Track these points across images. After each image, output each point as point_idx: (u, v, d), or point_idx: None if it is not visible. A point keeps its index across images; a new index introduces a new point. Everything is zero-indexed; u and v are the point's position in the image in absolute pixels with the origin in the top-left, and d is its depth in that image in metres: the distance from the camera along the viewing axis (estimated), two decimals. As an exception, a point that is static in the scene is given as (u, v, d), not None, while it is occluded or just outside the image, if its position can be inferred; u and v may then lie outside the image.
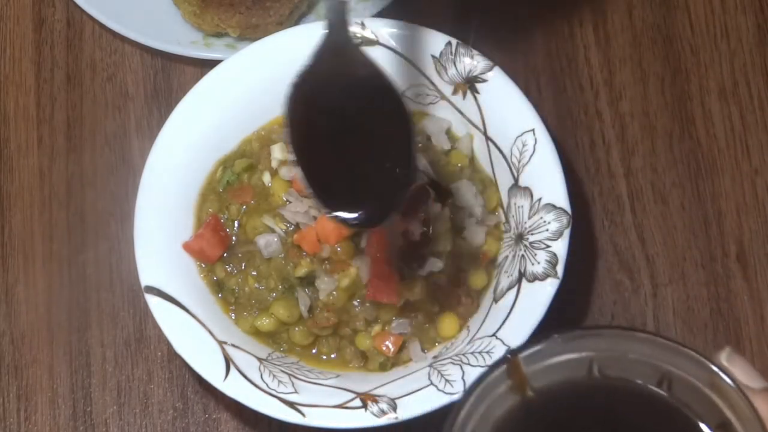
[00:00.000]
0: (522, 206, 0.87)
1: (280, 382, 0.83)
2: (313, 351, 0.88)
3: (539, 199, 0.86)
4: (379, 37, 0.91)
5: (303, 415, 0.81)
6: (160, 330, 0.85)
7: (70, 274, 0.96)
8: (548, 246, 0.84)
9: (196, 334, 0.85)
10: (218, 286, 0.89)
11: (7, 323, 0.94)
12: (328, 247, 0.85)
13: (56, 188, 0.98)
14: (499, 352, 0.81)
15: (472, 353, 0.82)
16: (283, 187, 0.88)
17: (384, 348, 0.86)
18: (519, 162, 0.88)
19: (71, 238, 0.97)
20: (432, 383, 0.81)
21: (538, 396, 0.65)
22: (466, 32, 1.00)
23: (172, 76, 1.02)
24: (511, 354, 0.64)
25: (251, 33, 0.98)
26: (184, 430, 0.91)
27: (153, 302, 0.85)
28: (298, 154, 0.73)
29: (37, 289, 0.95)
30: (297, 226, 0.87)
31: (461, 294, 0.87)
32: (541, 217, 0.85)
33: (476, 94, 0.90)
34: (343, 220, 0.74)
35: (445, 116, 0.92)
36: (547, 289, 0.83)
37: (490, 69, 0.90)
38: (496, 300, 0.85)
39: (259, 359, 0.85)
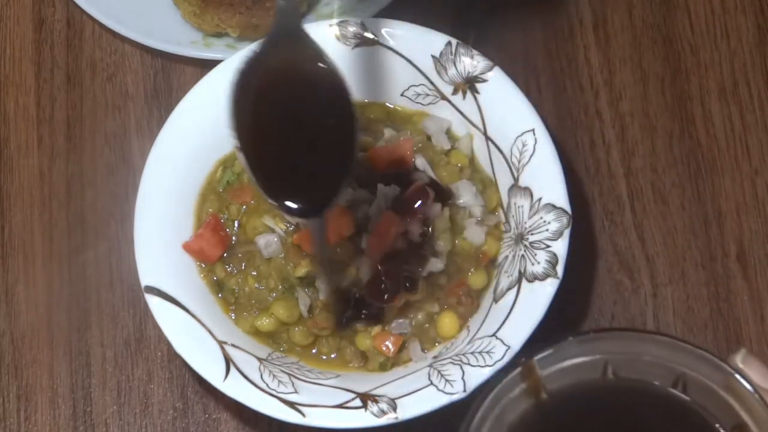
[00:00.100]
0: (522, 206, 0.87)
1: (280, 382, 0.83)
2: (313, 351, 0.88)
3: (539, 199, 0.86)
4: (379, 37, 0.91)
5: (303, 415, 0.81)
6: (160, 330, 0.85)
7: (70, 274, 0.96)
8: (548, 246, 0.84)
9: (196, 334, 0.85)
10: (218, 286, 0.89)
11: (7, 323, 0.94)
12: (328, 247, 0.85)
13: (56, 188, 0.98)
14: (499, 352, 0.81)
15: (472, 353, 0.82)
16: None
17: (384, 348, 0.86)
18: (519, 162, 0.88)
19: (71, 238, 0.97)
20: (432, 383, 0.81)
21: (552, 398, 0.65)
22: (466, 32, 1.00)
23: (172, 76, 1.02)
24: (526, 357, 0.63)
25: (251, 33, 0.98)
26: (184, 430, 0.91)
27: (153, 302, 0.85)
28: (241, 142, 0.73)
29: (37, 289, 0.95)
30: (297, 226, 0.87)
31: (461, 294, 0.87)
32: (541, 217, 0.85)
33: (476, 94, 0.90)
34: (285, 209, 0.74)
35: (445, 116, 0.92)
36: (547, 289, 0.83)
37: (490, 69, 0.90)
38: (496, 300, 0.85)
39: (259, 359, 0.85)
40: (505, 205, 0.89)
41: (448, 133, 0.92)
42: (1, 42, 1.03)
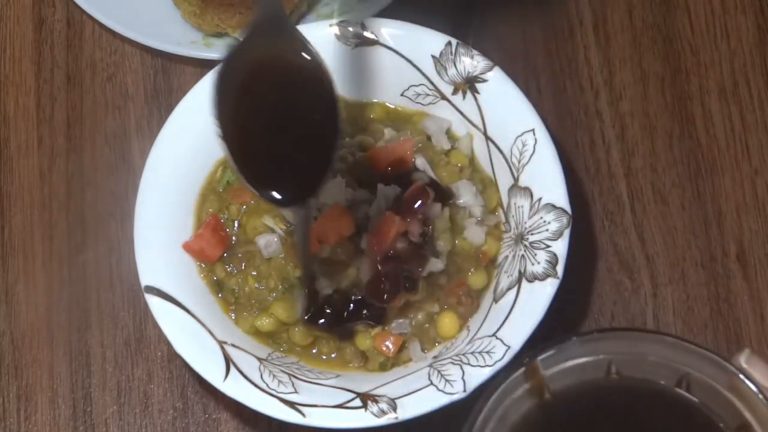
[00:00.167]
0: (522, 206, 0.87)
1: (280, 382, 0.83)
2: (313, 351, 0.87)
3: (539, 199, 0.86)
4: (379, 37, 0.91)
5: (303, 415, 0.81)
6: (160, 330, 0.85)
7: (70, 274, 0.96)
8: (548, 246, 0.84)
9: (196, 334, 0.85)
10: (218, 286, 0.89)
11: (7, 323, 0.94)
12: (328, 247, 0.85)
13: (56, 188, 0.98)
14: (499, 352, 0.81)
15: (472, 353, 0.82)
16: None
17: (384, 348, 0.86)
18: (519, 162, 0.88)
19: (71, 238, 0.97)
20: (432, 383, 0.81)
21: (556, 398, 0.65)
22: (466, 32, 1.00)
23: (172, 76, 1.02)
24: (529, 357, 0.63)
25: (251, 33, 0.98)
26: (184, 430, 0.91)
27: (153, 302, 0.85)
28: (224, 131, 0.73)
29: (37, 289, 0.95)
30: (297, 226, 0.87)
31: (461, 294, 0.87)
32: (541, 217, 0.85)
33: (476, 94, 0.90)
34: (268, 198, 0.74)
35: (445, 116, 0.92)
36: (547, 289, 0.83)
37: (490, 69, 0.90)
38: (496, 300, 0.85)
39: (259, 359, 0.85)
40: (505, 205, 0.89)
41: (448, 133, 0.92)
42: (1, 42, 1.03)
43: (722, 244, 0.95)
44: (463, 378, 0.81)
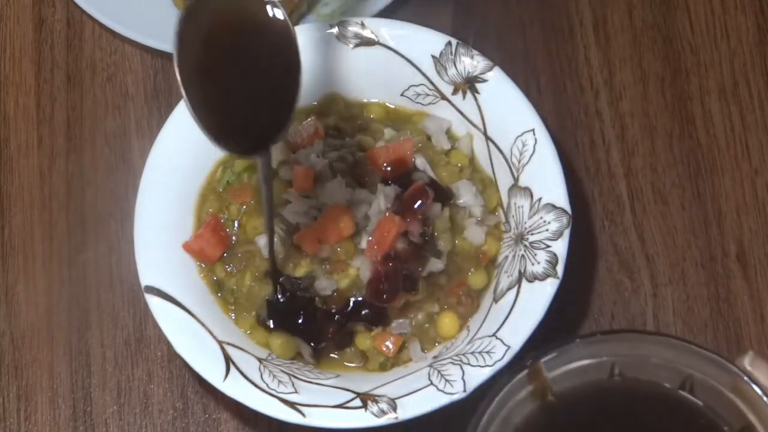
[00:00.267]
0: (522, 206, 0.87)
1: (280, 382, 0.83)
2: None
3: (539, 199, 0.86)
4: (379, 37, 0.91)
5: (303, 415, 0.81)
6: (160, 330, 0.84)
7: (70, 274, 0.96)
8: (548, 246, 0.84)
9: (196, 334, 0.85)
10: (218, 286, 0.89)
11: (7, 323, 0.94)
12: (328, 247, 0.85)
13: (56, 188, 0.98)
14: (499, 352, 0.81)
15: (472, 353, 0.82)
16: (283, 187, 0.88)
17: (384, 348, 0.86)
18: (519, 162, 0.88)
19: (71, 238, 0.97)
20: (432, 383, 0.81)
21: (559, 400, 0.65)
22: (466, 32, 1.00)
23: (172, 76, 1.01)
24: (533, 359, 0.63)
25: (251, 33, 0.98)
26: (184, 430, 0.91)
27: (153, 302, 0.85)
28: (184, 83, 0.73)
29: (37, 289, 0.95)
30: (297, 226, 0.87)
31: (461, 294, 0.87)
32: (541, 217, 0.85)
33: (476, 94, 0.90)
34: (228, 148, 0.75)
35: (445, 116, 0.92)
36: (547, 289, 0.83)
37: (490, 69, 0.90)
38: (496, 300, 0.85)
39: (259, 359, 0.85)
40: (505, 205, 0.89)
41: (448, 133, 0.92)
42: (1, 42, 1.03)
43: (722, 244, 0.95)
44: (463, 378, 0.81)
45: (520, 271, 0.85)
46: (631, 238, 0.95)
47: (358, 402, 0.82)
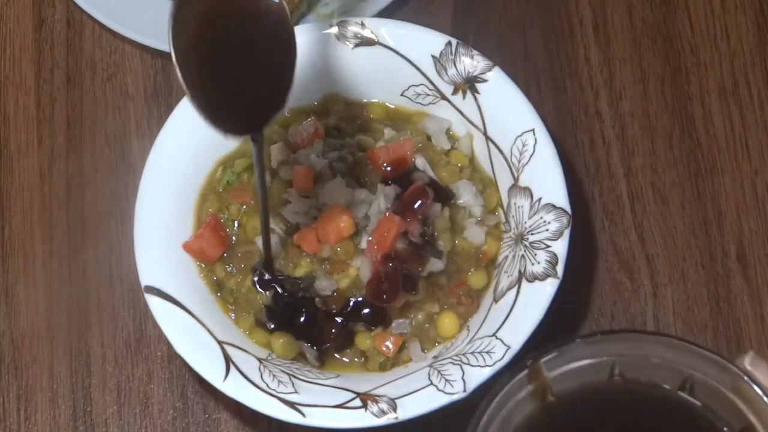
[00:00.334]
0: (522, 206, 0.87)
1: (280, 382, 0.83)
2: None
3: (539, 199, 0.86)
4: (379, 37, 0.91)
5: (303, 415, 0.81)
6: (160, 330, 0.84)
7: (70, 274, 0.96)
8: (548, 246, 0.84)
9: (196, 334, 0.85)
10: (218, 286, 0.89)
11: (7, 323, 0.94)
12: (328, 248, 0.85)
13: (56, 188, 0.98)
14: (499, 352, 0.81)
15: (472, 353, 0.82)
16: (283, 187, 0.88)
17: (384, 348, 0.86)
18: (519, 162, 0.88)
19: (71, 238, 0.97)
20: (432, 383, 0.81)
21: (559, 400, 0.65)
22: (466, 32, 1.00)
23: (172, 76, 1.02)
24: (533, 359, 0.63)
25: (251, 33, 0.98)
26: (184, 430, 0.91)
27: (153, 302, 0.85)
28: (180, 63, 0.73)
29: (37, 289, 0.95)
30: (297, 226, 0.87)
31: (461, 294, 0.87)
32: (541, 217, 0.85)
33: (476, 94, 0.90)
34: (222, 128, 0.75)
35: (445, 116, 0.92)
36: (547, 289, 0.83)
37: (490, 69, 0.90)
38: (496, 300, 0.85)
39: (259, 359, 0.85)
40: (505, 205, 0.89)
41: (448, 133, 0.92)
42: (1, 42, 1.03)
43: (722, 244, 0.95)
44: (463, 378, 0.81)
45: (520, 271, 0.85)
46: (631, 238, 0.95)
47: (358, 402, 0.82)
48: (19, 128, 1.00)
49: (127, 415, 0.92)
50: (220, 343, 0.85)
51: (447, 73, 0.91)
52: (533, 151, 0.87)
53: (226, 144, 0.92)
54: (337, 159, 0.88)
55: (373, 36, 0.91)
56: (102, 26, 1.02)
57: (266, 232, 0.84)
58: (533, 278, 0.84)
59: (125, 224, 0.94)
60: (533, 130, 0.87)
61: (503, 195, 0.89)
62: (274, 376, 0.83)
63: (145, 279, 0.86)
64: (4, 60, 1.03)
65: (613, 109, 0.99)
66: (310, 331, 0.86)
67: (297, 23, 0.99)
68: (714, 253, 0.94)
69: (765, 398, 0.61)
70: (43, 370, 0.93)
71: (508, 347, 0.81)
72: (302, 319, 0.86)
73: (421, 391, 0.81)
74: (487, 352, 0.82)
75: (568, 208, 0.85)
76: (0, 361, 0.93)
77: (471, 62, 0.90)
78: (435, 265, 0.85)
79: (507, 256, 0.87)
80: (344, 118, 0.93)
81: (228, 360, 0.83)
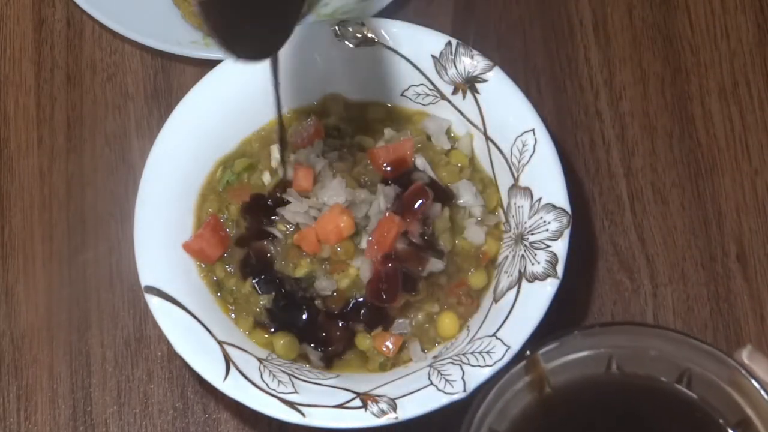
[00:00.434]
0: (522, 206, 0.87)
1: (280, 382, 0.83)
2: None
3: (539, 199, 0.86)
4: (379, 37, 0.91)
5: (303, 415, 0.81)
6: (160, 330, 0.85)
7: (70, 274, 0.96)
8: (548, 246, 0.84)
9: (196, 334, 0.85)
10: (218, 286, 0.89)
11: (7, 323, 0.94)
12: (328, 248, 0.85)
13: (56, 188, 0.98)
14: (499, 352, 0.81)
15: (472, 353, 0.82)
16: (283, 187, 0.88)
17: (384, 348, 0.86)
18: (519, 162, 0.88)
19: (71, 238, 0.97)
20: (432, 383, 0.81)
21: (557, 392, 0.65)
22: (466, 32, 1.00)
23: (172, 76, 1.02)
24: (531, 350, 0.63)
25: (251, 33, 0.98)
26: (184, 430, 0.91)
27: (153, 302, 0.85)
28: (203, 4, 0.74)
29: (37, 289, 0.95)
30: (297, 226, 0.87)
31: (461, 294, 0.87)
32: (541, 217, 0.85)
33: (476, 94, 0.90)
34: (239, 55, 0.76)
35: (445, 116, 0.92)
36: (547, 289, 0.83)
37: (490, 69, 0.90)
38: (496, 300, 0.85)
39: (259, 359, 0.85)
40: (505, 205, 0.89)
41: (448, 133, 0.92)
42: (1, 42, 1.03)
43: (722, 244, 0.95)
44: (463, 378, 0.81)
45: (520, 271, 0.85)
46: (631, 238, 0.95)
47: (358, 402, 0.82)
48: (19, 128, 1.00)
49: (127, 415, 0.92)
50: (220, 343, 0.85)
51: (447, 73, 0.91)
52: (533, 151, 0.87)
53: (226, 144, 0.92)
54: (337, 159, 0.88)
55: (373, 36, 0.91)
56: (102, 26, 1.02)
57: (280, 116, 0.86)
58: (533, 278, 0.84)
59: (125, 224, 0.94)
60: (533, 130, 0.87)
61: (503, 195, 0.89)
62: (274, 376, 0.83)
63: (145, 279, 0.86)
64: (4, 60, 1.03)
65: (613, 109, 0.99)
66: (313, 332, 0.86)
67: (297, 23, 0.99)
68: (714, 253, 0.94)
69: (762, 391, 0.61)
70: (43, 370, 0.93)
71: (508, 347, 0.81)
72: (304, 317, 0.86)
73: (421, 391, 0.81)
74: (487, 352, 0.82)
75: (568, 208, 0.85)
76: (0, 361, 0.93)
77: (471, 62, 0.90)
78: (435, 265, 0.85)
79: (507, 256, 0.87)
80: (344, 118, 0.93)
81: (228, 360, 0.83)
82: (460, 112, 0.91)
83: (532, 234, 0.86)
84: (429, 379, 0.82)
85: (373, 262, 0.85)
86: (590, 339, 0.65)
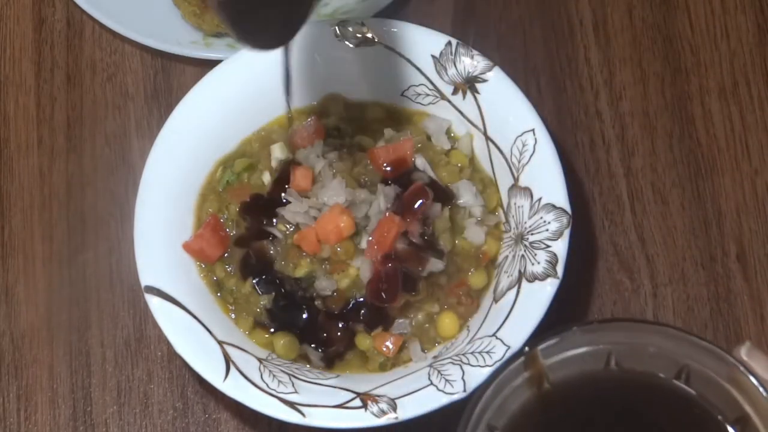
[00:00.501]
0: (522, 206, 0.87)
1: (280, 382, 0.83)
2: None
3: (539, 199, 0.86)
4: (379, 37, 0.91)
5: (303, 415, 0.81)
6: (160, 330, 0.85)
7: (70, 274, 0.96)
8: (548, 246, 0.84)
9: (196, 334, 0.85)
10: (218, 286, 0.89)
11: (7, 323, 0.94)
12: (328, 248, 0.85)
13: (56, 188, 0.98)
14: (499, 352, 0.81)
15: (472, 353, 0.82)
16: (283, 187, 0.88)
17: (384, 348, 0.86)
18: (519, 162, 0.88)
19: (71, 238, 0.97)
20: (432, 383, 0.81)
21: (555, 388, 0.65)
22: (466, 32, 1.00)
23: (172, 76, 1.02)
24: (530, 346, 0.63)
25: (251, 33, 0.98)
26: (184, 430, 0.91)
27: (153, 302, 0.85)
28: None
29: (37, 289, 0.95)
30: (297, 226, 0.87)
31: (461, 294, 0.87)
32: (541, 217, 0.85)
33: (476, 94, 0.90)
34: (255, 47, 0.77)
35: (445, 116, 0.92)
36: (547, 289, 0.83)
37: (490, 69, 0.90)
38: (496, 300, 0.85)
39: (259, 359, 0.85)
40: (505, 205, 0.89)
41: (448, 133, 0.92)
42: (1, 42, 1.03)
43: (722, 244, 0.95)
44: (463, 378, 0.81)
45: (520, 271, 0.85)
46: (631, 238, 0.95)
47: (358, 402, 0.82)
48: (19, 128, 1.00)
49: (127, 415, 0.92)
50: (220, 343, 0.85)
51: (447, 73, 0.91)
52: (533, 151, 0.87)
53: (226, 144, 0.92)
54: (337, 159, 0.88)
55: (373, 36, 0.91)
56: (102, 26, 1.02)
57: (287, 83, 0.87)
58: (533, 278, 0.84)
59: (125, 224, 0.94)
60: (533, 130, 0.87)
61: (503, 195, 0.89)
62: (274, 376, 0.83)
63: (145, 279, 0.86)
64: (4, 60, 1.03)
65: (613, 109, 0.99)
66: (313, 332, 0.86)
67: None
68: (714, 253, 0.94)
69: (761, 389, 0.61)
70: (43, 370, 0.93)
71: (508, 347, 0.81)
72: (304, 317, 0.86)
73: (421, 391, 0.81)
74: (487, 352, 0.82)
75: (568, 208, 0.85)
76: (0, 361, 0.93)
77: (471, 62, 0.90)
78: (435, 265, 0.85)
79: (507, 256, 0.87)
80: (344, 118, 0.93)
81: (228, 360, 0.83)
82: (460, 112, 0.91)
83: (532, 234, 0.86)
84: (429, 379, 0.82)
85: (373, 262, 0.85)
86: (589, 335, 0.65)
